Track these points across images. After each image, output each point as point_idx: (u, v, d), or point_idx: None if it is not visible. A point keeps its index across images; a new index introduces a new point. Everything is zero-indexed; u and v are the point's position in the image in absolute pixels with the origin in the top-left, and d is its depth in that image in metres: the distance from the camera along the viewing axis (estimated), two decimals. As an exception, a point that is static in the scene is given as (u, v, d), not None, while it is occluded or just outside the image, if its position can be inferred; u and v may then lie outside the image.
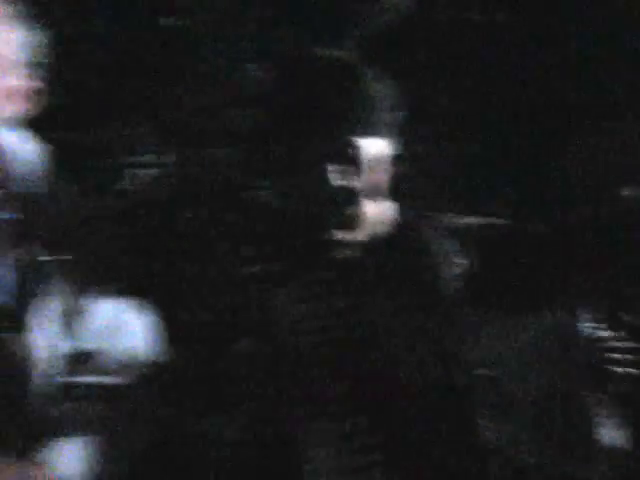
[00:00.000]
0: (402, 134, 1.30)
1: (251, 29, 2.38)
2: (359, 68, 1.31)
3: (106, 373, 1.31)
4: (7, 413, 1.19)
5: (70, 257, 1.30)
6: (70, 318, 1.29)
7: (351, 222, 1.26)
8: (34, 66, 1.31)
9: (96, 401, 1.29)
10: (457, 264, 1.25)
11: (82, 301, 1.31)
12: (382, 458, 1.20)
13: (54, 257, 1.28)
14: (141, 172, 2.20)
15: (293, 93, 1.26)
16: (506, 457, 1.20)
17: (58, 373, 1.26)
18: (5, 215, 1.26)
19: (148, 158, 2.24)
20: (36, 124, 1.35)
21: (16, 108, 1.30)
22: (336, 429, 1.21)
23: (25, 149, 1.32)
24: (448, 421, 1.20)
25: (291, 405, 1.25)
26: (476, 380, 1.21)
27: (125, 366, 1.33)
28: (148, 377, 1.36)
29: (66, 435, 1.23)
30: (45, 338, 1.25)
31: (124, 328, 1.34)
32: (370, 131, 1.26)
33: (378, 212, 1.29)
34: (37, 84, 1.32)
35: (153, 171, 2.22)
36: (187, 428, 1.41)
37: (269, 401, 1.27)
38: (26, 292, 1.24)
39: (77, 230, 1.33)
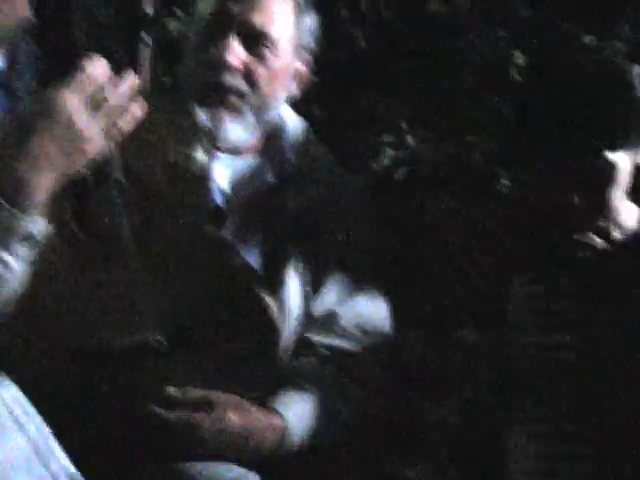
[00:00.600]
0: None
1: (516, 15, 2.34)
2: (628, 67, 1.24)
3: (342, 337, 1.38)
4: (255, 363, 1.30)
5: (319, 227, 1.38)
6: (314, 285, 1.38)
7: (597, 228, 1.22)
8: (308, 49, 1.41)
9: (329, 361, 1.37)
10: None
11: (324, 271, 1.39)
12: (588, 470, 1.17)
13: (303, 225, 1.37)
14: (390, 152, 2.27)
15: (553, 86, 1.23)
16: None
17: (300, 331, 1.36)
18: (265, 181, 1.38)
19: (397, 139, 2.31)
20: (304, 101, 1.46)
21: (292, 88, 1.41)
22: (545, 432, 1.19)
23: (292, 124, 1.43)
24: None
25: (505, 401, 1.24)
26: None
27: (359, 334, 1.40)
28: (378, 350, 1.41)
29: (299, 389, 1.32)
30: (293, 299, 1.35)
31: (361, 299, 1.41)
32: (627, 137, 1.20)
33: (625, 219, 1.24)
34: (310, 66, 1.42)
35: (400, 152, 2.28)
36: (406, 405, 1.45)
37: (486, 393, 1.28)
38: (280, 256, 1.35)
39: (329, 204, 1.40)
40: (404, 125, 2.30)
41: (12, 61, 2.09)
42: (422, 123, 2.35)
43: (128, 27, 2.14)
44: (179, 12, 2.25)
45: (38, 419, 0.95)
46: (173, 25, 2.25)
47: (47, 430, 0.96)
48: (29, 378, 1.02)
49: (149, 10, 2.15)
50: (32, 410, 0.96)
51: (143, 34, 2.07)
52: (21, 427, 0.94)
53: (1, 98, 2.04)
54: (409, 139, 2.27)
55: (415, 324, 1.75)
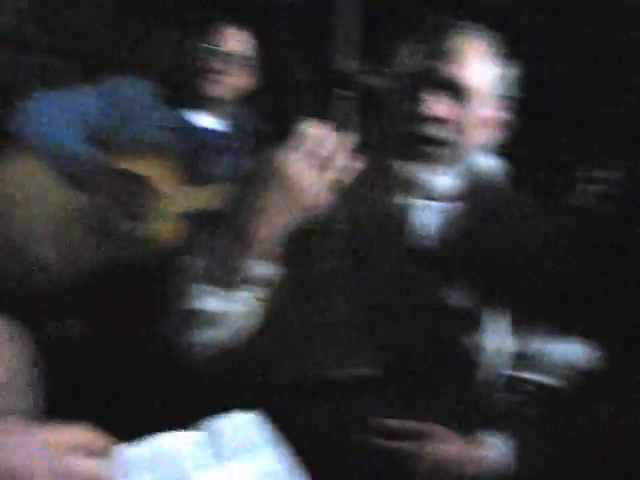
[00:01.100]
0: None
1: None
2: None
3: (548, 374, 1.41)
4: (463, 399, 1.35)
5: (522, 267, 1.41)
6: (519, 323, 1.41)
7: None
8: (506, 97, 1.46)
9: (536, 397, 1.39)
10: None
11: (529, 309, 1.41)
12: None
13: (506, 265, 1.41)
14: (590, 188, 2.24)
15: None
16: None
17: (506, 369, 1.39)
18: (468, 224, 1.43)
19: (597, 174, 2.27)
20: (501, 146, 1.50)
21: (492, 135, 1.46)
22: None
23: (491, 168, 1.49)
24: None
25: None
26: None
27: (562, 370, 1.41)
28: (581, 385, 1.42)
29: (507, 424, 1.34)
30: (498, 338, 1.39)
31: (567, 336, 1.42)
32: None
33: None
34: (507, 114, 1.47)
35: (602, 187, 2.23)
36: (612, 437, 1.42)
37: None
38: (484, 295, 1.38)
39: (530, 243, 1.43)
40: (602, 159, 2.27)
41: (233, 125, 2.31)
42: (620, 155, 2.30)
43: (329, 85, 2.30)
44: (376, 67, 2.38)
45: (274, 443, 1.05)
46: (371, 80, 2.38)
47: (283, 455, 1.06)
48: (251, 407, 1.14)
49: (347, 67, 2.30)
50: (268, 434, 1.06)
51: (343, 90, 2.21)
52: (259, 449, 1.04)
53: (219, 157, 2.26)
54: (608, 172, 2.23)
55: (622, 352, 1.70)
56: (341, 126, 1.31)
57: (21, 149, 2.07)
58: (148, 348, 1.44)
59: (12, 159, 2.07)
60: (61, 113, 2.07)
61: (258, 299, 1.30)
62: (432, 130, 1.37)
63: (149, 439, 1.00)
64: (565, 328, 1.42)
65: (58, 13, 2.82)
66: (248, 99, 2.31)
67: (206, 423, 1.05)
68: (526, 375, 1.41)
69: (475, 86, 1.39)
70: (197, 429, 1.04)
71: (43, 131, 2.05)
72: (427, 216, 1.42)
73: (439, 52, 1.39)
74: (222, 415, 1.06)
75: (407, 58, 1.43)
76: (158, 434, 1.01)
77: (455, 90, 1.38)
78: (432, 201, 1.42)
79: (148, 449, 0.98)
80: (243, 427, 1.04)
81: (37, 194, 2.05)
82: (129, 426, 0.99)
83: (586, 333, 1.43)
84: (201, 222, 1.82)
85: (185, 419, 1.07)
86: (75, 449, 0.64)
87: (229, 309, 1.28)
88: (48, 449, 0.54)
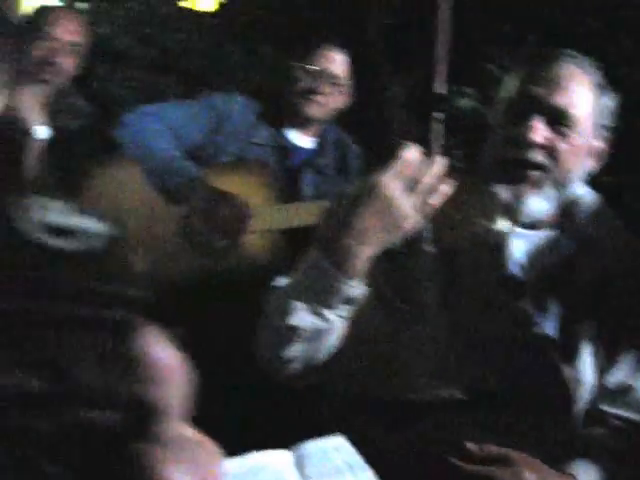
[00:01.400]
0: None
1: None
2: None
3: (635, 410, 1.37)
4: (549, 428, 1.33)
5: (615, 299, 1.39)
6: (608, 356, 1.37)
7: None
8: (606, 127, 1.45)
9: (621, 433, 1.36)
10: None
11: (619, 342, 1.38)
12: None
13: (599, 296, 1.39)
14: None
15: None
16: None
17: (592, 401, 1.37)
18: (561, 253, 1.41)
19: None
20: (598, 175, 1.49)
21: (590, 164, 1.46)
22: None
23: (586, 197, 1.47)
24: None
25: None
26: None
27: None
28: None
29: (591, 458, 1.31)
30: (587, 369, 1.37)
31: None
32: None
33: None
34: (607, 143, 1.46)
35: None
36: None
37: None
38: (576, 326, 1.37)
39: (625, 275, 1.40)
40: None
41: (327, 144, 2.35)
42: None
43: (422, 107, 2.31)
44: (468, 90, 2.38)
45: (365, 466, 1.06)
46: (463, 103, 2.39)
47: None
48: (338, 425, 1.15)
49: (440, 90, 2.31)
50: (358, 458, 1.07)
51: (435, 113, 2.22)
52: (346, 474, 1.05)
53: (310, 176, 2.31)
54: None
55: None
56: (435, 148, 1.32)
57: (122, 160, 2.16)
58: (240, 363, 1.47)
59: (113, 169, 2.16)
60: (160, 127, 2.15)
61: (350, 317, 1.32)
62: (532, 156, 1.37)
63: (242, 456, 1.02)
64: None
65: (161, 31, 2.93)
66: (343, 119, 2.34)
67: (295, 446, 1.06)
68: (613, 410, 1.38)
69: (577, 114, 1.39)
70: (287, 449, 1.06)
71: (142, 144, 2.13)
72: (522, 243, 1.41)
73: (543, 79, 1.39)
74: (311, 438, 1.07)
75: (511, 84, 1.44)
76: (250, 450, 1.03)
77: (557, 117, 1.38)
78: (528, 228, 1.42)
79: (242, 466, 1.00)
80: (331, 452, 1.05)
81: (133, 204, 2.13)
82: (219, 441, 1.01)
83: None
84: (295, 239, 1.85)
85: (276, 435, 1.09)
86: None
87: (323, 326, 1.30)
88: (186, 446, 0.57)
